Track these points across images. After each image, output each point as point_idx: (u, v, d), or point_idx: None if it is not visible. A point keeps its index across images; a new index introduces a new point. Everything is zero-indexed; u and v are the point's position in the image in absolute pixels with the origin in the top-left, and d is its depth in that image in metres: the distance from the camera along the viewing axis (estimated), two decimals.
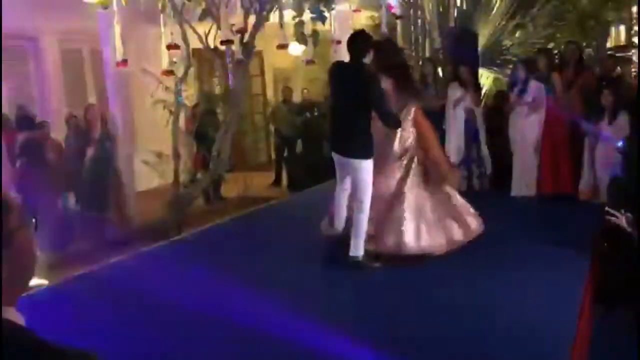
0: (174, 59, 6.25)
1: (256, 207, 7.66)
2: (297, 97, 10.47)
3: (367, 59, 4.39)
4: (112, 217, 6.87)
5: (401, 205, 4.62)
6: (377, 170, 4.52)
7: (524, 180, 6.77)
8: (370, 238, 4.57)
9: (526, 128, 6.65)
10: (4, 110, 7.14)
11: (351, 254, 4.49)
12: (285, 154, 9.73)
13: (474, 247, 4.91)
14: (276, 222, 6.52)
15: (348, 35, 4.62)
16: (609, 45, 10.52)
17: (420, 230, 4.59)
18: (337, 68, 4.69)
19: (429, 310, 3.77)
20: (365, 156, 4.39)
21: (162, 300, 4.23)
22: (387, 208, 4.64)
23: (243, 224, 6.82)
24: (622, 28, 11.54)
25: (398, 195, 4.66)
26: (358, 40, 4.46)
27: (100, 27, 6.67)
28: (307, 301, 4.03)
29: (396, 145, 4.76)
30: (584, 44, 9.53)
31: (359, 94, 4.32)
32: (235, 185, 8.50)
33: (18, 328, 0.98)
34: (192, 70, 7.37)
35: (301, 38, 6.81)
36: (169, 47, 6.05)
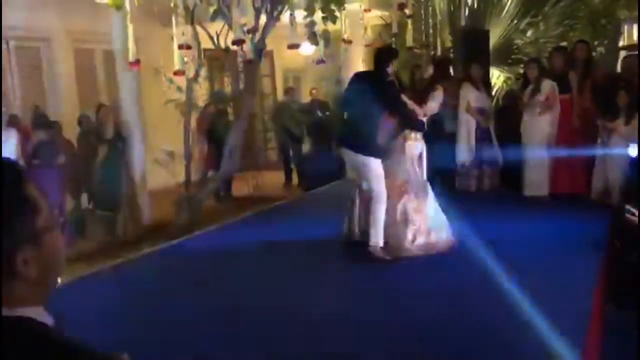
0: (185, 59, 6.29)
1: (267, 206, 7.69)
2: (307, 97, 10.48)
3: (390, 69, 4.71)
4: (124, 216, 6.91)
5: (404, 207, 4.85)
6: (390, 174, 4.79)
7: (536, 180, 6.73)
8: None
9: (539, 128, 6.60)
10: (16, 111, 7.21)
11: (370, 243, 4.69)
12: (291, 152, 9.72)
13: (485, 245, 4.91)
14: (287, 221, 6.53)
15: (359, 35, 4.77)
16: (621, 44, 10.44)
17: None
18: (359, 76, 5.04)
19: (434, 307, 3.76)
20: (375, 155, 4.65)
21: (173, 300, 4.27)
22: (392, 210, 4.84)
23: (254, 222, 6.84)
24: (635, 27, 11.44)
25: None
26: (383, 52, 4.92)
27: (112, 27, 6.71)
28: (319, 298, 4.06)
29: (409, 150, 4.99)
30: (596, 42, 9.47)
31: (377, 99, 4.61)
32: (246, 184, 8.53)
33: (45, 329, 0.99)
34: (203, 70, 7.40)
35: (312, 38, 6.82)
36: (181, 47, 6.08)
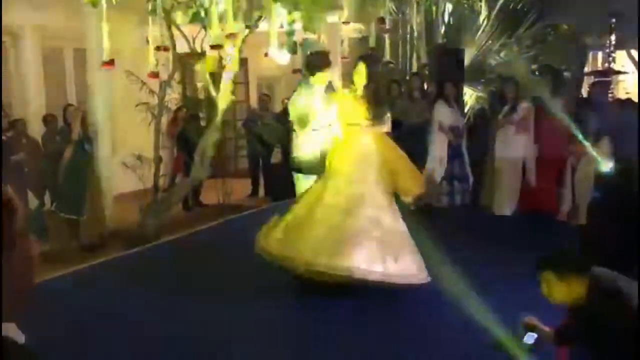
0: (162, 63, 6.17)
1: (235, 215, 7.58)
2: (278, 106, 10.42)
3: None
4: (88, 220, 6.69)
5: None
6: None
7: (506, 199, 6.82)
8: None
9: (512, 147, 6.69)
10: None
11: None
12: (261, 162, 9.59)
13: (452, 264, 4.87)
14: (253, 231, 6.42)
15: (336, 47, 4.67)
16: (586, 70, 10.78)
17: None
18: None
19: (394, 336, 3.69)
20: None
21: (134, 309, 4.14)
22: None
23: (221, 231, 6.74)
24: (600, 54, 11.85)
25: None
26: None
27: (85, 25, 6.53)
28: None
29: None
30: (563, 67, 9.73)
31: None
32: (215, 191, 8.38)
33: (21, 350, 0.90)
34: (176, 73, 7.26)
35: (291, 47, 6.78)
36: (158, 48, 5.96)
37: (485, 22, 9.16)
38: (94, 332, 3.69)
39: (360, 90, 4.54)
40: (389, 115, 4.74)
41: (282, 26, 7.02)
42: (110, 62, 5.57)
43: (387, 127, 4.69)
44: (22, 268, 0.88)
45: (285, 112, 9.93)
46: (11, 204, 0.88)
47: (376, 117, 4.50)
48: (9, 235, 0.87)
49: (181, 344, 3.57)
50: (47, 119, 7.06)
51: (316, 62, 4.64)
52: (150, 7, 5.84)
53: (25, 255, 0.89)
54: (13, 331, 0.89)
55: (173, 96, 7.80)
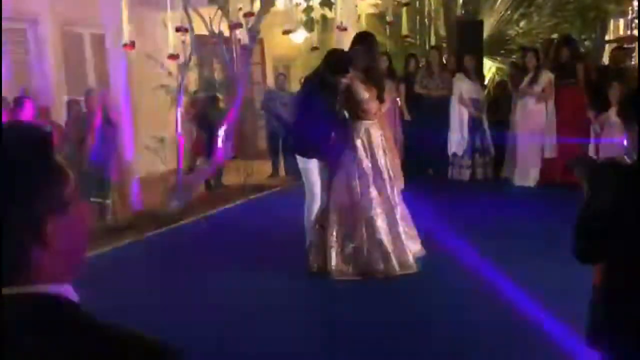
0: (180, 45, 6.18)
1: (257, 195, 7.63)
2: (296, 86, 10.36)
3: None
4: (114, 203, 6.79)
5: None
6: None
7: (527, 170, 6.77)
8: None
9: (532, 118, 6.62)
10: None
11: None
12: (281, 142, 9.59)
13: (478, 237, 4.87)
14: (277, 210, 6.48)
15: (353, 22, 4.51)
16: (607, 38, 10.54)
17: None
18: None
19: (433, 307, 3.74)
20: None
21: (161, 288, 4.21)
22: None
23: (244, 211, 6.79)
24: (621, 21, 11.57)
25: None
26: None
27: (104, 10, 6.56)
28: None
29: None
30: (583, 36, 9.54)
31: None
32: (236, 172, 8.44)
33: (80, 309, 0.93)
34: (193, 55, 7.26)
35: (309, 24, 6.74)
36: (178, 29, 5.96)
37: None
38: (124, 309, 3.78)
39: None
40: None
41: (298, 3, 6.99)
42: (131, 45, 5.60)
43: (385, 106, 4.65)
44: (74, 233, 0.91)
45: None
46: (61, 168, 0.91)
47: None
48: (60, 199, 0.90)
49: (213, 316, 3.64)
50: (71, 105, 7.16)
51: (337, 66, 4.32)
52: None
53: (79, 221, 0.92)
54: (70, 293, 0.93)
55: (192, 78, 7.82)
